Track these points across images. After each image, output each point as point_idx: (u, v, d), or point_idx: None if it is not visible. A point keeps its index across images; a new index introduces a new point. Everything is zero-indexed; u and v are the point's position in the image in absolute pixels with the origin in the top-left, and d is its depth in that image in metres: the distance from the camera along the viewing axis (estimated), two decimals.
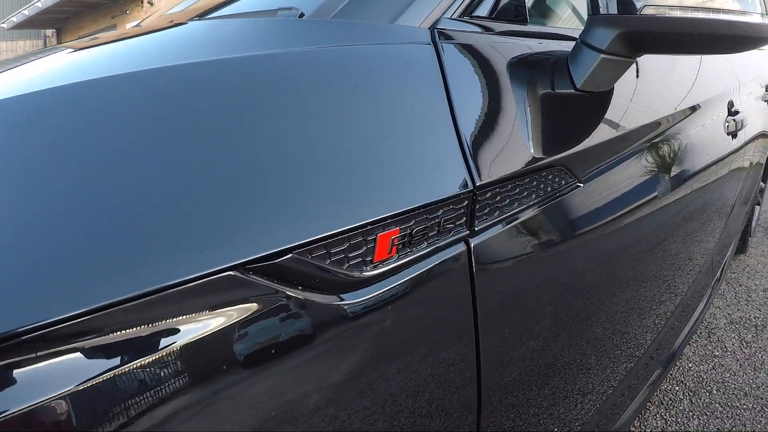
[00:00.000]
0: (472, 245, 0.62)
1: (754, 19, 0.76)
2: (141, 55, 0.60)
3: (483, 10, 0.81)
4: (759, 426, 1.84)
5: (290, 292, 0.45)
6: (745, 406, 1.95)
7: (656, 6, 0.72)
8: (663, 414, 1.88)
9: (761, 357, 2.28)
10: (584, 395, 1.02)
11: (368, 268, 0.51)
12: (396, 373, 0.54)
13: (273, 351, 0.44)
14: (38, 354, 0.34)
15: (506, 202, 0.66)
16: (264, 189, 0.45)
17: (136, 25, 1.09)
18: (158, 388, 0.38)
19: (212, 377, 0.41)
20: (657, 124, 1.08)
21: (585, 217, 0.82)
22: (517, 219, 0.68)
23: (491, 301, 0.65)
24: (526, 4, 0.91)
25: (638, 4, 0.72)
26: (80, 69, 0.57)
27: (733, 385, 2.08)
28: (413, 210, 0.54)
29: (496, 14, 0.84)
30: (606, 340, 1.05)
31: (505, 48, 0.78)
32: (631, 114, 0.97)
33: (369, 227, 0.51)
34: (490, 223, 0.65)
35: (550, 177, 0.74)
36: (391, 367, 0.53)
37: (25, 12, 18.46)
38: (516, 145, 0.69)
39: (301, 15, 0.73)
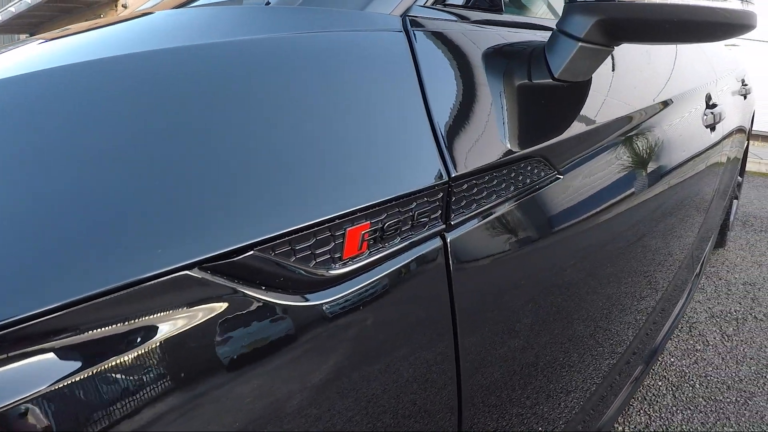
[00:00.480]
0: (448, 240, 0.58)
1: (735, 5, 0.74)
2: (102, 45, 0.57)
3: None
4: (743, 419, 1.84)
5: (252, 293, 0.42)
6: (728, 400, 1.95)
7: None
8: (647, 410, 1.87)
9: (743, 350, 2.29)
10: (568, 393, 1.00)
11: (337, 266, 0.48)
12: (369, 376, 0.51)
13: (234, 356, 0.40)
14: None
15: (483, 195, 0.63)
16: (223, 182, 0.42)
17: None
18: (107, 396, 0.35)
19: (168, 384, 0.38)
20: (637, 115, 1.06)
21: (565, 211, 0.80)
22: (495, 212, 0.66)
23: (469, 299, 0.62)
24: None
25: None
26: (40, 60, 0.54)
27: (715, 379, 2.07)
28: (384, 203, 0.51)
29: (470, 2, 0.82)
30: (588, 337, 1.03)
31: (480, 37, 0.76)
32: (610, 105, 0.95)
33: (337, 221, 0.47)
34: (467, 216, 0.61)
35: (528, 168, 0.71)
36: (363, 370, 0.50)
37: None
38: (493, 136, 0.66)
39: (268, 3, 0.70)
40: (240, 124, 0.45)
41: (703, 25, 0.74)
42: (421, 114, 0.58)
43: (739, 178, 3.55)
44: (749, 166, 6.32)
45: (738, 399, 1.96)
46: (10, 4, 17.90)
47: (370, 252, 0.51)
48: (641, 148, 1.10)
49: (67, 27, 1.04)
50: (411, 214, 0.54)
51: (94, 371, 0.34)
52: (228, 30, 0.56)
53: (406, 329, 0.55)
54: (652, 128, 1.16)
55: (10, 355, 0.32)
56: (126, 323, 0.36)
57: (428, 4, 0.73)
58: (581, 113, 0.83)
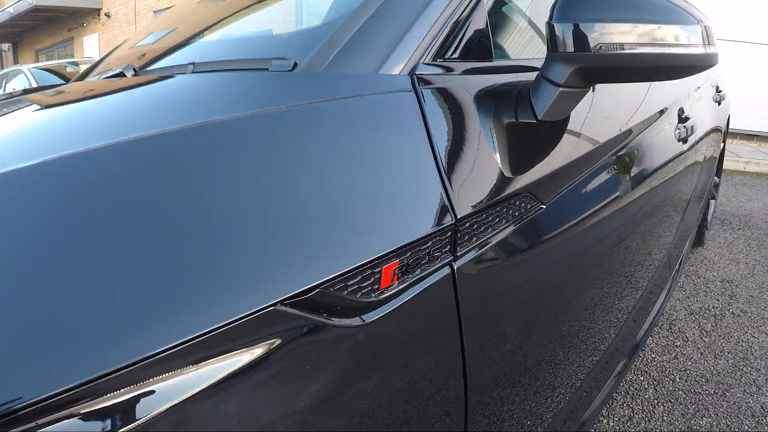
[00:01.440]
0: (455, 267, 0.71)
1: (698, 50, 0.86)
2: (135, 118, 0.66)
3: (453, 52, 0.91)
4: (721, 410, 1.97)
5: (319, 319, 0.55)
6: (707, 392, 2.08)
7: (608, 44, 0.83)
8: (629, 403, 2.01)
9: (721, 344, 2.43)
10: (554, 389, 1.13)
11: (376, 295, 0.60)
12: (402, 372, 0.64)
13: (310, 366, 0.53)
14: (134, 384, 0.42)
15: (482, 229, 0.76)
16: (289, 238, 0.54)
17: (115, 75, 1.11)
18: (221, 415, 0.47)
19: (271, 393, 0.50)
20: (614, 140, 1.19)
21: (551, 234, 0.93)
22: (491, 242, 0.77)
23: (473, 312, 0.74)
24: (491, 41, 1.00)
25: (592, 43, 0.82)
26: (73, 133, 0.63)
27: (695, 373, 2.21)
28: (408, 244, 0.63)
29: (464, 54, 0.94)
30: (573, 336, 1.15)
31: (474, 84, 0.88)
32: (589, 135, 1.07)
33: (375, 262, 0.60)
34: (469, 248, 0.74)
35: (517, 203, 0.83)
36: (399, 368, 0.63)
37: None
38: (488, 179, 0.78)
39: (295, 65, 0.82)
40: (296, 192, 0.57)
41: (669, 69, 0.86)
42: (431, 165, 0.70)
43: (716, 178, 3.70)
44: (729, 165, 6.50)
45: (716, 391, 2.10)
46: None
47: (399, 282, 0.63)
48: (619, 167, 1.23)
49: (64, 89, 1.11)
50: (428, 250, 0.66)
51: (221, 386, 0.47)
52: (262, 99, 0.67)
53: (426, 337, 0.67)
54: (628, 149, 1.29)
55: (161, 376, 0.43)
56: (240, 343, 0.48)
57: (429, 60, 0.85)
58: (562, 148, 0.96)
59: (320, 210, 0.58)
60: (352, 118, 0.68)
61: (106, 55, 1.88)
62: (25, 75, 9.13)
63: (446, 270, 0.69)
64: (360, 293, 0.59)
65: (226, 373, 0.47)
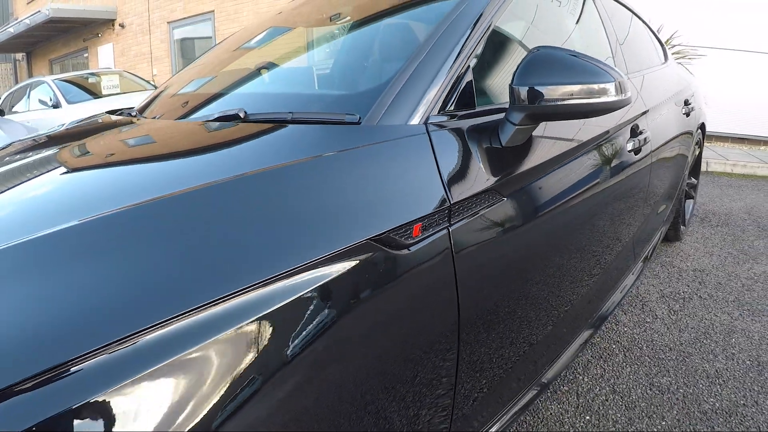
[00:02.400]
0: (450, 229, 1.12)
1: (612, 98, 1.27)
2: (284, 150, 1.11)
3: (449, 106, 1.31)
4: (680, 372, 2.36)
5: (389, 250, 0.98)
6: (669, 358, 2.48)
7: (549, 98, 1.23)
8: (602, 365, 2.41)
9: (686, 321, 2.83)
10: (531, 345, 1.53)
11: (411, 240, 1.03)
12: (422, 273, 1.06)
13: (381, 268, 0.96)
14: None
15: (465, 210, 1.17)
16: (372, 210, 0.99)
17: (226, 118, 1.46)
18: (337, 302, 0.89)
19: (365, 279, 0.93)
20: (566, 153, 1.58)
21: (508, 215, 1.33)
22: (470, 217, 1.19)
23: (459, 249, 1.14)
24: (474, 96, 1.39)
25: (537, 98, 1.23)
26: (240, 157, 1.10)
27: (660, 343, 2.61)
28: (426, 215, 1.06)
29: (457, 106, 1.33)
30: (542, 299, 1.56)
31: (463, 125, 1.29)
32: (540, 152, 1.47)
33: (410, 223, 1.03)
34: (458, 219, 1.15)
35: (488, 195, 1.25)
36: (421, 271, 1.06)
37: None
38: (470, 182, 1.19)
39: (360, 119, 1.23)
40: (376, 186, 1.02)
41: (591, 112, 1.28)
42: (437, 174, 1.13)
43: (693, 180, 4.09)
44: (717, 168, 6.87)
45: (677, 357, 2.49)
46: (8, 25, 18.20)
47: (421, 234, 1.05)
48: (573, 171, 1.64)
49: (89, 150, 1.50)
50: (435, 219, 1.09)
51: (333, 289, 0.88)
52: (347, 141, 1.10)
53: (434, 258, 1.09)
54: (579, 159, 1.69)
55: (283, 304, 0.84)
56: (352, 255, 0.91)
57: (435, 113, 1.26)
58: (518, 163, 1.36)
59: (384, 197, 1.02)
60: (395, 151, 1.13)
61: (158, 95, 2.28)
62: (48, 85, 9.48)
63: (445, 230, 1.11)
64: (404, 237, 1.02)
65: (344, 270, 0.90)
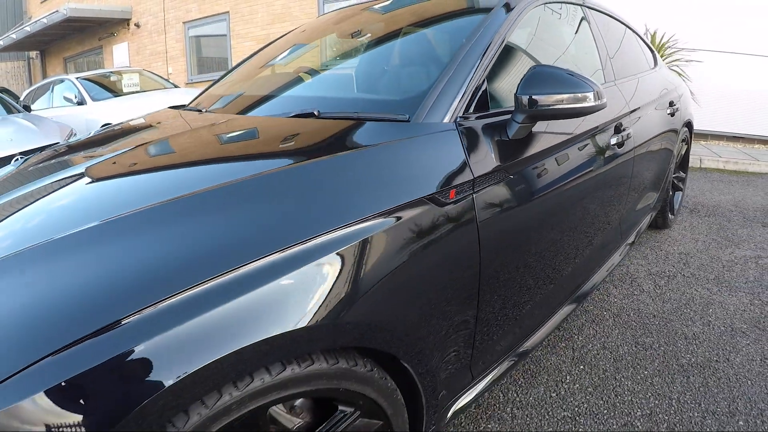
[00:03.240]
0: (474, 196, 1.53)
1: (591, 102, 1.67)
2: (363, 139, 1.56)
3: (470, 109, 1.72)
4: (662, 334, 2.77)
5: (435, 205, 1.40)
6: (653, 323, 2.90)
7: (543, 104, 1.65)
8: (594, 327, 2.84)
9: (670, 295, 3.24)
10: (533, 305, 1.97)
11: (449, 200, 1.44)
12: (457, 225, 1.48)
13: (430, 218, 1.38)
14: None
15: (483, 183, 1.58)
16: (422, 179, 1.40)
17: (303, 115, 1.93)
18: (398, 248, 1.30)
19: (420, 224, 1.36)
20: (558, 145, 2.00)
21: (514, 189, 1.73)
22: (487, 188, 1.60)
23: (479, 209, 1.54)
24: (488, 101, 1.80)
25: (535, 105, 1.64)
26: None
27: (645, 311, 3.03)
28: (459, 184, 1.47)
29: (475, 109, 1.74)
30: (537, 255, 1.99)
31: (480, 123, 1.71)
32: (539, 143, 1.88)
33: (447, 187, 1.44)
34: (479, 188, 1.56)
35: (497, 174, 1.66)
36: (453, 218, 1.47)
37: (13, 36, 18.88)
38: (487, 163, 1.61)
39: (409, 118, 1.65)
40: (422, 163, 1.43)
41: (575, 114, 1.69)
42: (464, 157, 1.55)
43: (681, 173, 4.50)
44: (710, 164, 7.26)
45: (660, 322, 2.91)
46: (25, 24, 18.57)
47: (456, 197, 1.47)
48: (566, 158, 2.06)
49: (117, 155, 2.01)
50: (464, 187, 1.50)
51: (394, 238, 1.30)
52: (400, 134, 1.53)
53: (464, 214, 1.50)
54: (572, 150, 2.11)
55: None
56: (410, 212, 1.34)
57: (461, 114, 1.67)
58: (521, 151, 1.78)
59: (430, 171, 1.44)
60: (435, 141, 1.55)
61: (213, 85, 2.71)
62: (72, 83, 9.76)
63: (470, 196, 1.53)
64: (444, 198, 1.44)
65: (413, 213, 1.33)
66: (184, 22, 14.43)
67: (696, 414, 2.17)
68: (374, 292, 1.24)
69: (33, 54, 22.64)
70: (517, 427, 2.09)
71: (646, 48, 3.79)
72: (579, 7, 2.74)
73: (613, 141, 2.41)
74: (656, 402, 2.24)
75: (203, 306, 0.97)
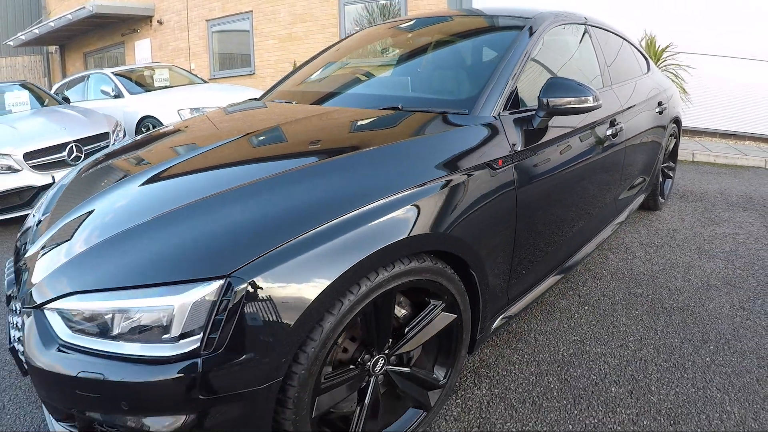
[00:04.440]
0: (513, 166, 2.22)
1: (591, 103, 2.38)
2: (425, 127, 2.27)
3: (506, 106, 2.40)
4: (651, 288, 3.49)
5: (491, 169, 2.11)
6: (642, 279, 3.63)
7: (557, 104, 2.35)
8: (595, 282, 3.57)
9: (657, 260, 3.97)
10: (546, 255, 2.70)
11: (498, 167, 2.13)
12: (504, 188, 2.19)
13: (482, 177, 2.09)
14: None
15: (519, 157, 2.28)
16: (475, 153, 2.10)
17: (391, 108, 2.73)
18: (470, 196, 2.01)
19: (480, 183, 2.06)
20: (570, 132, 2.72)
21: (535, 163, 2.42)
22: (521, 161, 2.29)
23: (517, 173, 2.24)
24: (518, 101, 2.50)
25: (551, 105, 2.34)
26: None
27: (637, 271, 3.76)
28: (501, 156, 2.17)
29: (510, 107, 2.43)
30: (552, 217, 2.71)
31: (513, 117, 2.40)
32: (556, 131, 2.60)
33: (497, 158, 2.14)
34: (517, 160, 2.25)
35: (528, 152, 2.35)
36: (497, 178, 2.16)
37: (36, 31, 19.36)
38: (520, 144, 2.31)
39: (468, 111, 2.35)
40: (471, 141, 2.15)
41: (581, 111, 2.40)
42: (506, 139, 2.25)
43: (671, 163, 5.21)
44: (701, 158, 7.95)
45: (649, 279, 3.64)
46: (50, 20, 19.10)
47: (502, 165, 2.17)
48: (576, 144, 2.78)
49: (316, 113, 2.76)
50: (506, 158, 2.20)
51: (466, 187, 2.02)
52: (461, 122, 2.23)
53: (509, 176, 2.21)
54: (577, 138, 2.82)
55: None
56: (477, 172, 2.04)
57: (500, 111, 2.37)
58: (542, 137, 2.48)
59: (486, 148, 2.15)
60: (486, 128, 2.25)
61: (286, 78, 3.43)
62: (109, 77, 10.23)
63: (512, 165, 2.23)
64: (494, 165, 2.14)
65: (478, 172, 2.06)
66: (207, 20, 15.05)
67: (676, 340, 2.89)
68: (456, 216, 1.94)
69: (52, 49, 22.98)
70: (539, 347, 2.82)
71: (641, 56, 4.50)
72: (583, 25, 3.46)
73: (609, 132, 3.13)
74: (645, 332, 2.97)
75: (349, 227, 1.64)
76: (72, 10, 17.06)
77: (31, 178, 5.75)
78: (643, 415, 2.29)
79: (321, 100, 3.03)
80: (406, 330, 1.95)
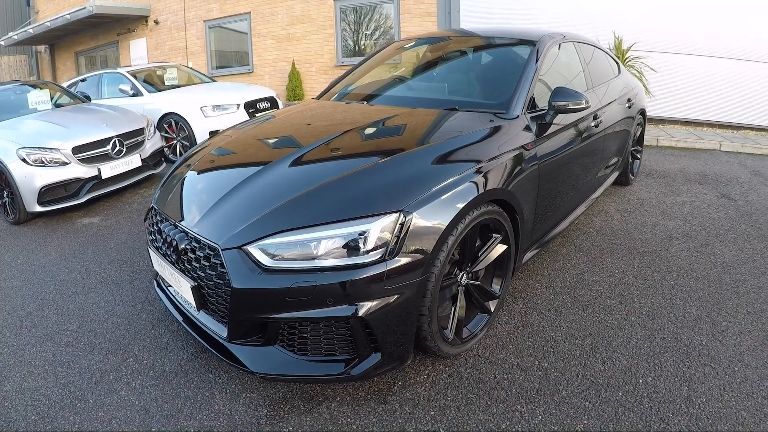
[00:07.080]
0: (536, 148, 3.30)
1: (582, 104, 3.47)
2: (467, 124, 3.43)
3: (527, 108, 3.46)
4: (627, 242, 4.65)
5: (525, 150, 3.17)
6: (620, 234, 4.78)
7: (561, 105, 3.45)
8: (584, 237, 4.72)
9: (631, 221, 5.12)
10: (556, 210, 3.83)
11: (528, 150, 3.20)
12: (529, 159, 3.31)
13: (517, 155, 3.15)
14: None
15: (538, 143, 3.35)
16: (519, 137, 3.22)
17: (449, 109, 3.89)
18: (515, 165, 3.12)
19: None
20: (573, 122, 3.85)
21: (548, 150, 3.52)
22: (539, 145, 3.36)
23: (539, 155, 3.35)
24: (535, 103, 3.57)
25: (557, 105, 3.43)
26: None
27: (615, 228, 4.92)
28: (530, 142, 3.24)
29: (529, 108, 3.49)
30: (560, 184, 3.86)
31: (531, 115, 3.47)
32: (562, 122, 3.71)
33: (527, 144, 3.23)
34: (538, 144, 3.33)
35: (542, 140, 3.42)
36: (528, 149, 3.29)
37: (30, 30, 19.49)
38: (539, 133, 3.39)
39: (504, 111, 3.41)
40: (486, 145, 3.28)
41: (578, 110, 3.50)
42: (531, 130, 3.35)
43: (638, 147, 6.39)
44: (665, 143, 9.16)
45: (625, 233, 4.79)
46: (47, 20, 19.31)
47: (531, 149, 3.25)
48: (577, 131, 3.91)
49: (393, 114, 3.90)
50: (533, 143, 3.29)
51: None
52: (499, 121, 3.32)
53: (534, 152, 3.29)
54: (573, 129, 3.94)
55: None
56: (517, 151, 3.14)
57: (524, 111, 3.45)
58: (552, 127, 3.59)
59: (518, 136, 3.23)
60: (518, 123, 3.33)
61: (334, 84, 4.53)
62: (125, 77, 10.64)
63: (535, 148, 3.32)
64: (526, 148, 3.22)
65: (516, 153, 3.15)
66: (204, 21, 15.58)
67: (648, 271, 4.05)
68: (509, 179, 2.99)
69: (41, 48, 22.83)
70: (552, 278, 3.96)
71: (613, 61, 5.66)
72: (571, 42, 4.59)
73: (592, 124, 4.27)
74: (626, 267, 4.12)
75: (460, 182, 2.69)
76: (70, 10, 17.20)
77: (78, 170, 6.23)
78: (631, 314, 3.45)
79: (392, 102, 4.08)
80: (479, 254, 3.03)
